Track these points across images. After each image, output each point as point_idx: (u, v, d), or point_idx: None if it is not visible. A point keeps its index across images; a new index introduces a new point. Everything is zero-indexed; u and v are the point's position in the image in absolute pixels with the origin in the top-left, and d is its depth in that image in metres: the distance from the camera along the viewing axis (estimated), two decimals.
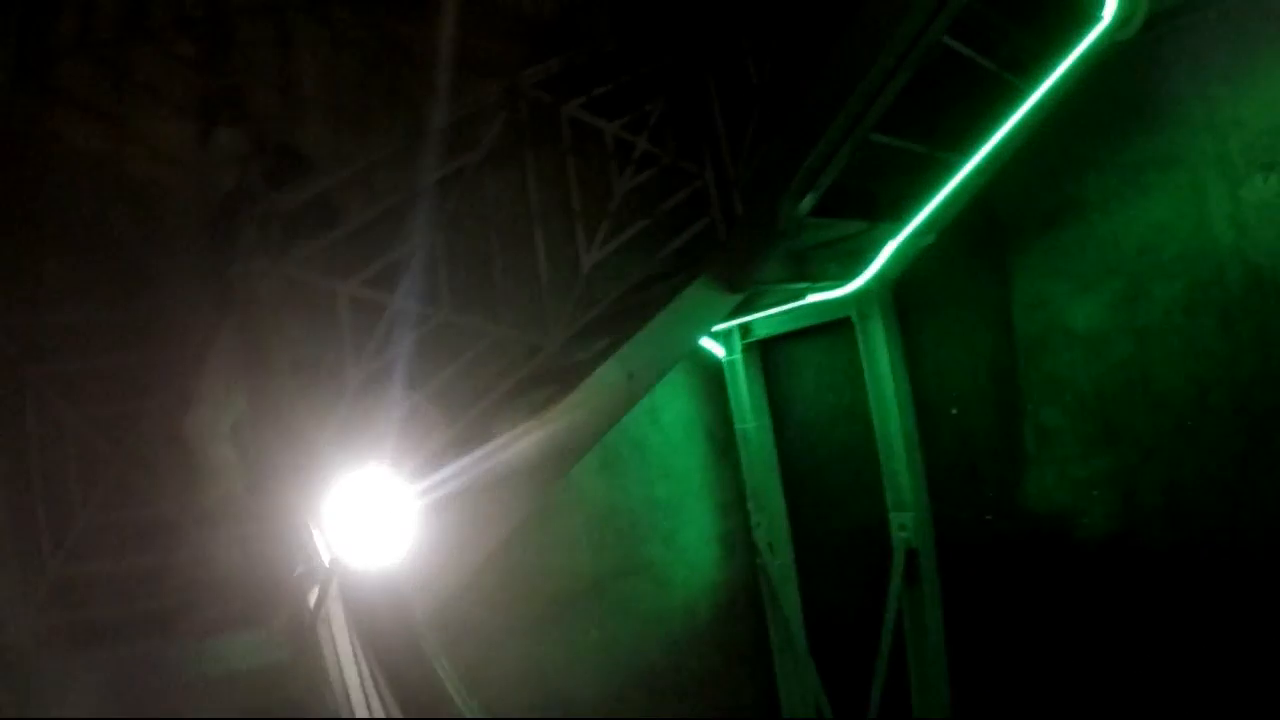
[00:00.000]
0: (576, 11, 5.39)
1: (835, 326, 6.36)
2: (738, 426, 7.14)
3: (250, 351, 3.29)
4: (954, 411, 6.01)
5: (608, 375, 3.85)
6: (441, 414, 3.59)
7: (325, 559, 2.84)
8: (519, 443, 3.36)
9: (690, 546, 6.90)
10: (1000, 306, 5.68)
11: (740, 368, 7.02)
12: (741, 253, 4.31)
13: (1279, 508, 4.69)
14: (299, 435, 3.06)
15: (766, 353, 7.10)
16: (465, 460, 3.13)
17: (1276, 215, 4.49)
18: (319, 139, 4.47)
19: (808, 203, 4.17)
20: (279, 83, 4.52)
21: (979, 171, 5.00)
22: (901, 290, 5.86)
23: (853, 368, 6.38)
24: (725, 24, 4.38)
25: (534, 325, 3.91)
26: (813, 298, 5.67)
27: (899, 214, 5.00)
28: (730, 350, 7.02)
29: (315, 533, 2.86)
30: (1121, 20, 4.43)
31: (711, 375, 7.16)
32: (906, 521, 6.12)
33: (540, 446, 3.48)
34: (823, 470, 6.91)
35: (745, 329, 6.96)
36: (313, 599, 2.84)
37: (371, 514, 2.80)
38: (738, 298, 4.48)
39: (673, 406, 6.85)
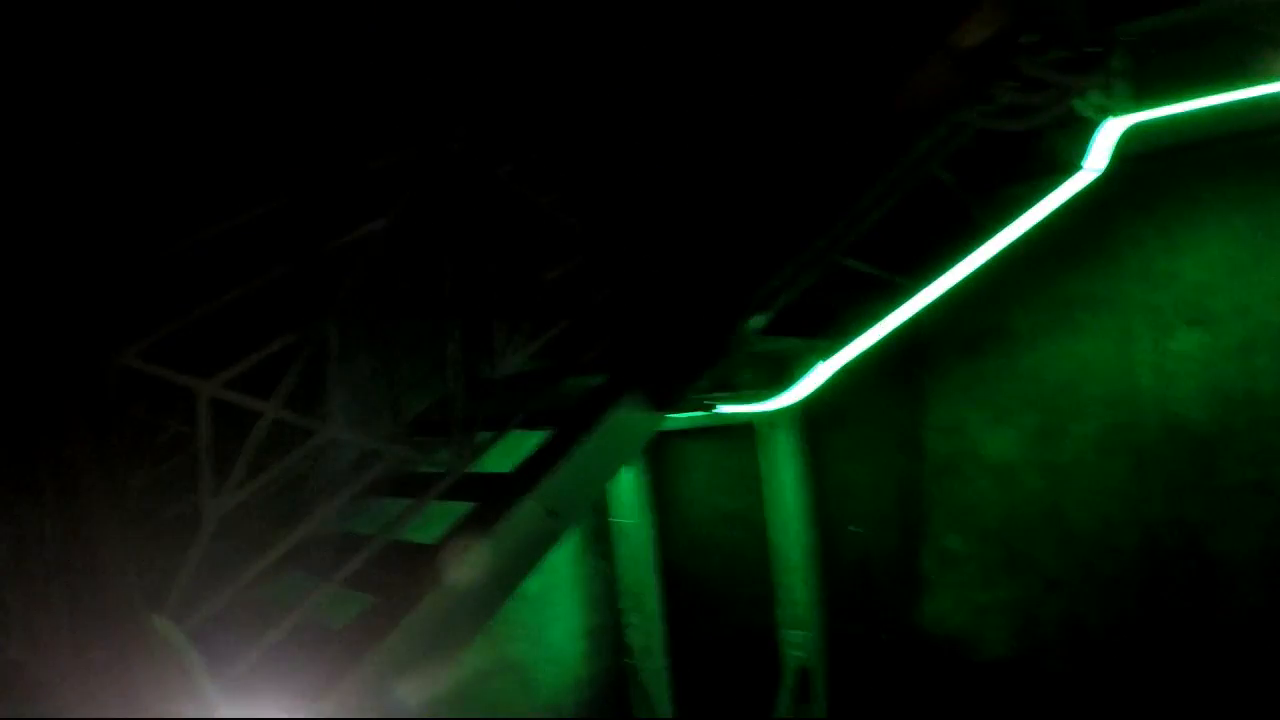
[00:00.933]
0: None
1: (733, 429, 5.98)
2: (616, 520, 6.60)
3: (63, 477, 2.41)
4: (855, 529, 5.75)
5: (524, 515, 3.20)
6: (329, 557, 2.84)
7: None
8: (423, 621, 2.66)
9: (557, 643, 6.47)
10: (913, 428, 5.53)
11: None
12: (677, 370, 3.78)
13: (1178, 642, 4.74)
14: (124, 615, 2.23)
15: (654, 447, 6.62)
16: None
17: (1198, 369, 4.54)
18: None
19: (758, 322, 3.73)
20: None
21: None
22: (811, 401, 5.58)
23: (748, 473, 6.04)
24: (686, 99, 3.88)
25: (438, 440, 3.25)
26: (725, 408, 5.23)
27: (839, 334, 4.67)
28: None
29: None
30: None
31: None
32: (800, 640, 5.82)
33: (444, 617, 2.80)
34: (707, 574, 6.52)
35: None
36: None
37: None
38: (664, 416, 3.96)
39: None
